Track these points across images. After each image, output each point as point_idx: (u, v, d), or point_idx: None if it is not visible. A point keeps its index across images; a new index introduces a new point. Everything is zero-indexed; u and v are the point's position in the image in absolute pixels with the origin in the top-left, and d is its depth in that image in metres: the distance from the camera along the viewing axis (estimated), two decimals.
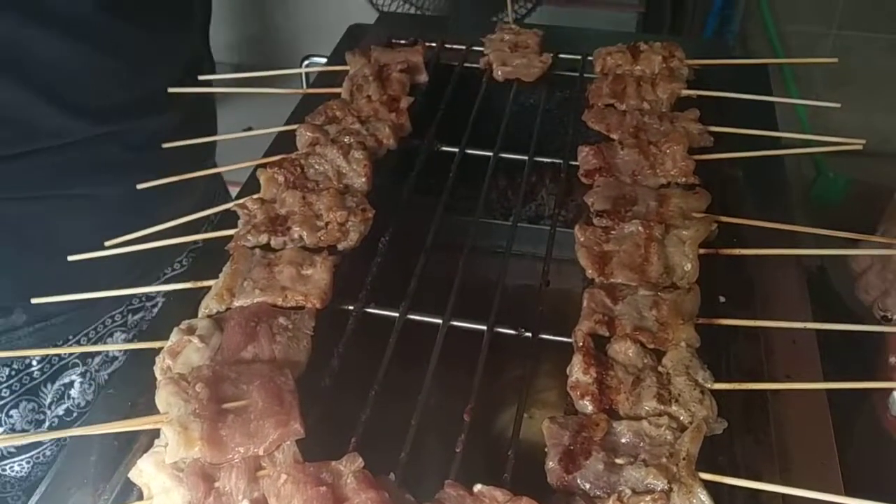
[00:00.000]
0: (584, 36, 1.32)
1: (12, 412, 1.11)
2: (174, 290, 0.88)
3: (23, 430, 1.12)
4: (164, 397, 0.69)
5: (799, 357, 0.84)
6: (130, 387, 0.81)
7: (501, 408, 1.07)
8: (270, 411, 0.67)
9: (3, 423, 1.11)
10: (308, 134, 0.97)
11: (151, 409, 0.74)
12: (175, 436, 0.65)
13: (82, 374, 1.17)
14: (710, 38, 2.34)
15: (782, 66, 2.63)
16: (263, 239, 0.85)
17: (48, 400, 1.14)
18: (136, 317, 1.22)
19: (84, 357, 1.17)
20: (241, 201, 0.89)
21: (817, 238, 0.88)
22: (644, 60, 1.12)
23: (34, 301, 0.84)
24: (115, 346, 1.15)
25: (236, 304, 0.79)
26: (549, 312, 0.83)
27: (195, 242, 1.12)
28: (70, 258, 0.89)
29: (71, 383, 1.16)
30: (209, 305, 0.80)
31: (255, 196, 0.90)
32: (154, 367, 0.74)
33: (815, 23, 3.07)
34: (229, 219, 0.90)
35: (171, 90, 1.04)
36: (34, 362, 1.12)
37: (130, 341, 1.19)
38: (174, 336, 0.75)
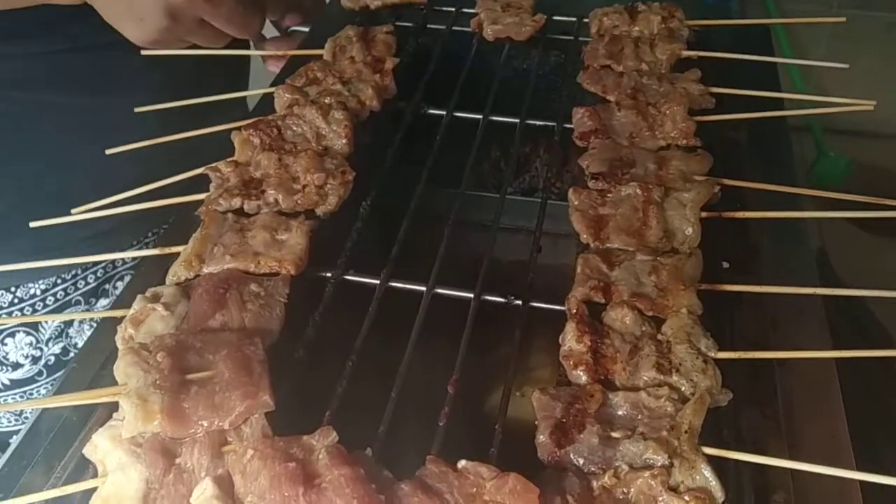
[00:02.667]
0: None
1: (7, 341, 1.10)
2: (147, 257, 0.82)
3: (16, 363, 1.12)
4: (122, 368, 0.64)
5: (807, 328, 0.79)
6: (94, 360, 0.75)
7: (491, 387, 1.02)
8: (237, 382, 0.62)
9: None
10: (286, 95, 0.92)
11: (112, 382, 0.69)
12: (133, 408, 0.60)
13: (84, 313, 1.16)
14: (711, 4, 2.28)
15: (782, 46, 2.56)
16: (236, 203, 0.80)
17: (46, 336, 1.13)
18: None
19: (87, 296, 1.15)
20: (214, 164, 0.84)
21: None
22: (642, 21, 1.06)
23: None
24: (75, 315, 1.11)
25: (206, 270, 0.74)
26: (542, 288, 0.78)
27: None
28: (32, 224, 0.84)
29: (71, 322, 1.14)
30: (177, 272, 0.75)
31: (228, 159, 0.85)
32: (116, 338, 0.69)
33: (815, 1, 3.01)
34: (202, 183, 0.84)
35: (144, 52, 0.98)
36: (38, 292, 1.11)
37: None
38: (137, 304, 0.70)
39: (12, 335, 1.11)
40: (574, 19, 1.13)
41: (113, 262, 1.15)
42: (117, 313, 0.72)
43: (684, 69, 0.99)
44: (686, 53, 1.01)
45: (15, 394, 1.13)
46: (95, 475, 0.60)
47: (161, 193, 0.85)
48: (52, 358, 1.14)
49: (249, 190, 0.81)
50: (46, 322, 1.12)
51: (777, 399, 0.72)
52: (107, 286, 1.17)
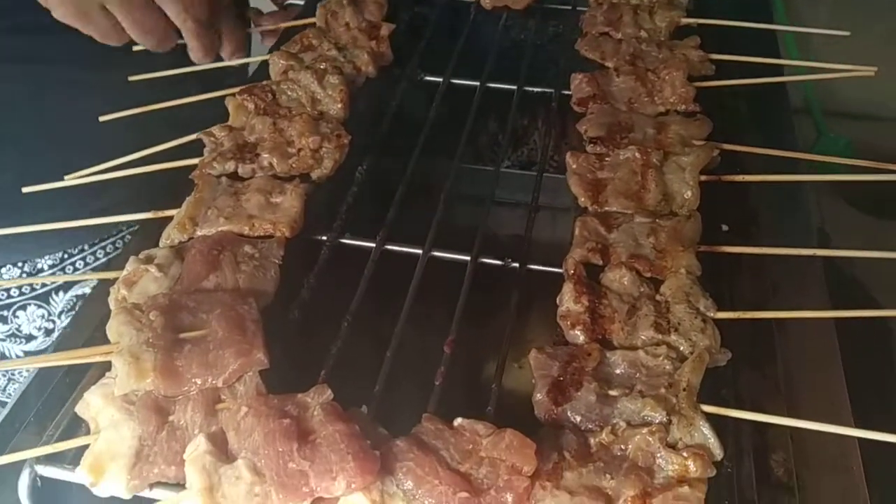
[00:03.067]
0: None
1: (19, 313, 1.10)
2: (142, 225, 0.82)
3: (30, 335, 1.12)
4: (115, 327, 0.63)
5: (806, 292, 0.79)
6: (87, 323, 0.75)
7: (489, 354, 1.01)
8: (231, 341, 0.61)
9: (9, 321, 1.11)
10: (281, 62, 0.91)
11: (105, 344, 0.68)
12: (125, 366, 0.59)
13: (94, 288, 1.13)
14: None
15: (779, 16, 2.55)
16: (230, 167, 0.79)
17: (59, 308, 1.13)
18: None
19: (98, 270, 1.14)
20: (207, 129, 0.83)
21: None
22: None
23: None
24: (74, 277, 1.10)
25: (199, 233, 0.73)
26: (541, 256, 0.77)
27: None
28: (24, 190, 0.83)
29: (83, 295, 1.14)
30: (171, 235, 0.74)
31: (223, 124, 0.84)
32: (109, 299, 0.68)
33: None
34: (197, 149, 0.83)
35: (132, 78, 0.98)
36: (45, 267, 1.11)
37: None
38: (130, 265, 0.69)
39: (24, 308, 1.11)
40: None
41: (122, 238, 1.15)
42: (111, 275, 0.71)
43: (683, 37, 0.98)
44: (685, 21, 1.00)
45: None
46: (88, 433, 0.60)
47: (155, 161, 0.84)
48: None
49: (244, 154, 0.80)
50: (57, 295, 1.12)
51: (777, 361, 0.71)
52: (120, 258, 1.15)
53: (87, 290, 1.13)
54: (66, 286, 1.13)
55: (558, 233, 0.94)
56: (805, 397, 0.69)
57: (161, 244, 0.74)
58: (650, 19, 1.00)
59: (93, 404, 0.59)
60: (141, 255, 0.71)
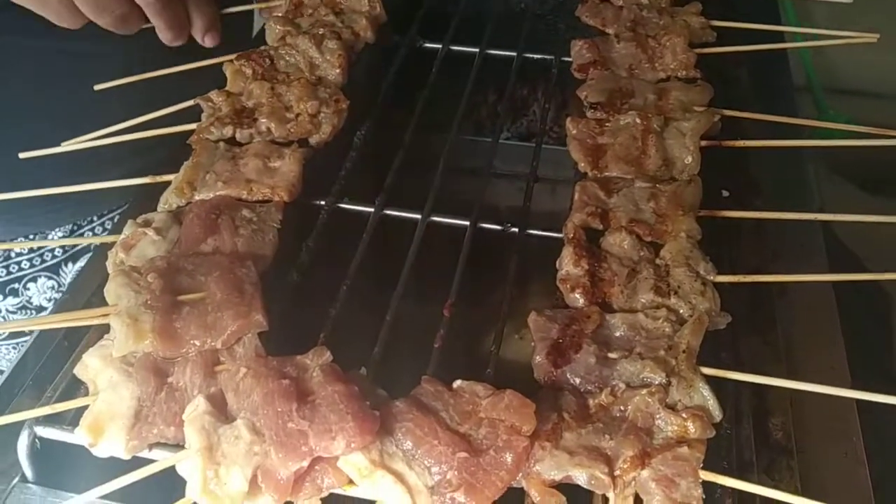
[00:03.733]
0: None
1: (30, 285, 1.11)
2: (140, 190, 0.81)
3: (40, 306, 1.12)
4: (113, 289, 0.63)
5: (806, 260, 0.79)
6: (86, 287, 0.74)
7: (484, 318, 1.00)
8: (230, 303, 0.61)
9: (20, 293, 1.11)
10: (278, 27, 0.90)
11: (103, 306, 0.68)
12: (124, 328, 0.59)
13: (94, 251, 1.13)
14: None
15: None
16: (228, 132, 0.79)
17: (68, 279, 1.13)
18: None
19: (104, 244, 1.13)
20: (205, 95, 0.82)
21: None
22: None
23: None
24: (73, 241, 1.10)
25: (197, 197, 0.73)
26: (541, 225, 0.77)
27: None
28: (22, 155, 0.82)
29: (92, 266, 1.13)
30: (169, 200, 0.73)
31: (221, 90, 0.83)
32: (107, 263, 0.68)
33: None
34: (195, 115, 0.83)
35: None
36: (55, 238, 1.11)
37: None
38: (128, 229, 0.69)
39: (34, 280, 1.11)
40: None
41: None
42: (110, 239, 0.70)
43: (684, 3, 0.97)
44: None
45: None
46: (87, 395, 0.60)
47: (153, 127, 0.84)
48: None
49: (241, 119, 0.79)
50: (66, 266, 1.13)
51: (776, 326, 0.71)
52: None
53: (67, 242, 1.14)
54: (75, 257, 1.13)
55: (558, 203, 0.93)
56: (805, 362, 0.69)
57: (159, 208, 0.73)
58: None
59: (91, 366, 0.59)
60: (139, 220, 0.70)
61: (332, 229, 0.74)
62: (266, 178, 0.74)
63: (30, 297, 1.12)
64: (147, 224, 0.69)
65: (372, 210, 0.75)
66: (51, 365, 0.67)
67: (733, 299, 0.67)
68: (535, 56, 0.94)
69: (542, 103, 0.92)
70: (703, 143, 0.77)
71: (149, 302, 0.61)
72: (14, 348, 1.16)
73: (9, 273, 1.10)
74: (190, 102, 0.83)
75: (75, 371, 0.60)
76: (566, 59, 0.91)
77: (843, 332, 0.73)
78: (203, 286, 0.63)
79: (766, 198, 0.83)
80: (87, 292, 0.73)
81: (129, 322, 0.59)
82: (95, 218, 1.14)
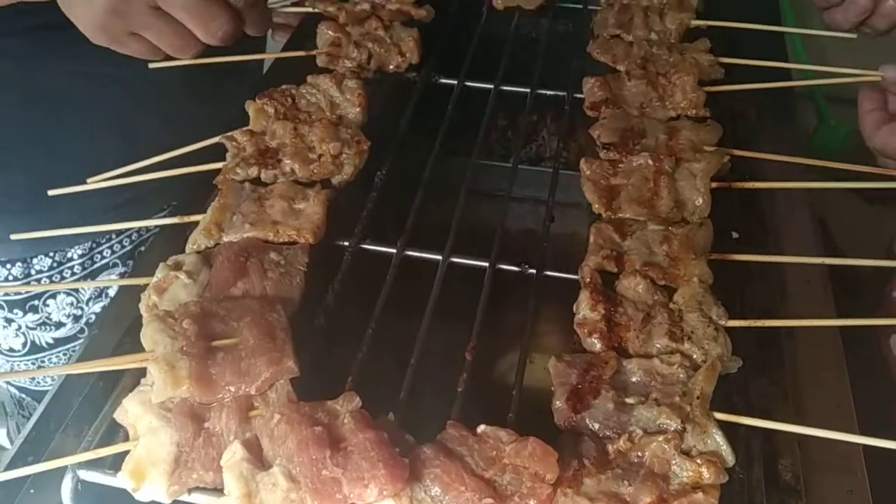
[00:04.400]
0: None
1: (49, 301, 1.13)
2: (164, 225, 0.84)
3: (59, 322, 1.15)
4: (149, 335, 0.65)
5: (812, 297, 0.81)
6: (117, 326, 0.77)
7: (502, 353, 1.04)
8: (262, 349, 0.64)
9: (39, 310, 1.14)
10: (329, 32, 0.93)
11: (137, 348, 0.70)
12: (162, 374, 0.61)
13: (121, 276, 1.18)
14: None
15: (785, 14, 2.55)
16: (253, 172, 0.81)
17: (87, 296, 1.16)
18: None
19: (124, 258, 1.18)
20: (229, 133, 0.85)
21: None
22: None
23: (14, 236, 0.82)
24: (103, 283, 1.12)
25: (225, 239, 0.75)
26: (553, 255, 0.79)
27: None
28: (50, 193, 0.85)
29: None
30: (197, 241, 0.76)
31: (244, 128, 0.85)
32: (140, 305, 0.70)
33: None
34: (218, 152, 0.85)
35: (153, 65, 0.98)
36: (74, 256, 1.13)
37: None
38: (160, 272, 0.71)
39: (53, 296, 1.14)
40: None
41: (147, 227, 1.17)
42: (140, 281, 0.73)
43: (693, 39, 1.00)
44: (695, 23, 1.02)
45: (58, 352, 1.17)
46: (126, 439, 0.62)
47: (180, 162, 0.86)
48: (93, 316, 1.17)
49: (266, 159, 0.82)
50: (87, 281, 1.16)
51: (785, 366, 0.74)
52: (142, 248, 1.19)
53: (114, 277, 1.18)
54: (94, 273, 1.16)
55: (567, 227, 0.96)
56: (812, 402, 0.72)
57: (188, 249, 0.76)
58: (660, 21, 1.02)
59: (131, 411, 0.62)
60: (169, 262, 0.73)
61: (355, 270, 0.76)
62: (291, 219, 0.76)
63: (49, 314, 1.15)
64: (178, 267, 0.72)
65: (394, 251, 0.77)
66: (88, 405, 0.69)
67: (742, 341, 0.70)
68: (549, 93, 0.96)
69: (555, 139, 0.94)
70: (714, 184, 0.80)
71: (185, 348, 0.63)
72: (33, 363, 1.18)
73: (28, 291, 1.13)
74: (215, 140, 0.86)
75: (115, 416, 0.63)
76: (578, 95, 0.94)
77: (848, 370, 0.76)
78: (236, 331, 0.66)
79: (772, 232, 0.85)
80: (118, 331, 0.75)
81: (166, 369, 0.62)
82: (114, 235, 1.17)
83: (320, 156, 0.82)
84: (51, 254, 1.13)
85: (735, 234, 0.81)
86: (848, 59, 1.06)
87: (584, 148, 1.22)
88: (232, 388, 0.62)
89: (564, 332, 0.81)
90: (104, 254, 1.17)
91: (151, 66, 0.90)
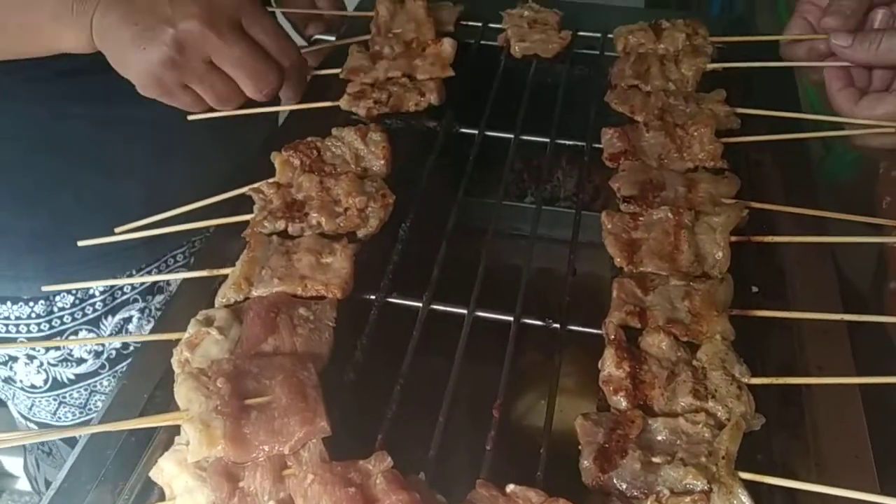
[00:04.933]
0: (601, 13, 1.28)
1: (71, 337, 1.16)
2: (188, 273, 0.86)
3: (80, 359, 1.18)
4: (183, 393, 0.66)
5: (830, 347, 0.82)
6: (146, 378, 0.78)
7: (529, 403, 1.05)
8: (295, 408, 0.65)
9: (61, 347, 1.16)
10: (360, 61, 0.98)
11: (169, 402, 0.72)
12: (197, 434, 0.63)
13: (141, 311, 1.20)
14: (730, 17, 2.31)
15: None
16: (280, 225, 0.83)
17: (107, 332, 1.18)
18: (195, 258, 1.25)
19: (144, 294, 1.20)
20: (256, 185, 0.86)
21: (843, 223, 0.85)
22: (667, 39, 1.08)
23: (45, 288, 0.84)
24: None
25: (255, 293, 0.77)
26: (575, 292, 0.81)
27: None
28: (80, 243, 0.87)
29: (130, 318, 1.20)
30: (226, 295, 0.77)
31: (270, 180, 0.87)
32: (172, 360, 0.72)
33: None
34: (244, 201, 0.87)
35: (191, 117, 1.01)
36: (97, 293, 1.15)
37: None
38: (192, 327, 0.73)
39: (75, 333, 1.16)
40: (599, 35, 1.15)
41: (166, 261, 1.19)
42: (171, 336, 0.74)
43: (710, 86, 1.02)
44: (710, 66, 1.03)
45: (80, 387, 1.20)
46: (160, 497, 0.64)
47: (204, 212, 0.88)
48: (114, 352, 1.19)
49: (293, 212, 0.83)
50: (106, 319, 1.18)
51: (805, 421, 0.75)
52: (161, 283, 1.22)
53: (134, 314, 1.20)
54: (114, 310, 1.18)
55: (583, 267, 0.97)
56: (832, 456, 0.72)
57: (217, 303, 0.77)
58: (676, 69, 1.03)
59: (167, 470, 0.63)
60: (200, 317, 0.74)
61: (382, 323, 0.78)
62: (319, 274, 0.77)
63: (71, 350, 1.17)
64: (209, 322, 0.73)
65: (420, 305, 0.79)
66: (121, 460, 0.70)
67: (764, 394, 0.71)
68: (568, 143, 0.98)
69: (577, 186, 0.96)
70: (733, 238, 0.81)
71: (219, 407, 0.64)
72: (55, 399, 1.20)
73: (51, 327, 1.15)
74: (242, 190, 0.88)
75: (150, 474, 0.64)
76: (596, 145, 0.95)
77: (867, 420, 0.77)
78: (268, 389, 0.67)
79: (791, 285, 0.86)
80: (149, 384, 0.76)
81: (201, 428, 0.63)
82: (135, 272, 1.19)
83: (346, 209, 0.83)
84: (73, 291, 1.15)
85: (755, 289, 0.82)
86: None
87: (599, 189, 1.24)
88: (266, 448, 0.63)
89: (581, 373, 0.82)
90: (125, 289, 1.19)
91: (190, 118, 0.93)
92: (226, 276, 0.80)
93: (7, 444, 0.62)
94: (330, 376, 0.71)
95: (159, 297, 1.22)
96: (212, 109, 0.91)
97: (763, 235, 0.83)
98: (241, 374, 0.68)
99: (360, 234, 0.83)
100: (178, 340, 0.73)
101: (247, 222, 0.85)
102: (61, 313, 1.15)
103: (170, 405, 0.72)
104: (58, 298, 1.14)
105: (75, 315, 1.16)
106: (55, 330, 1.15)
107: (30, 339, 1.16)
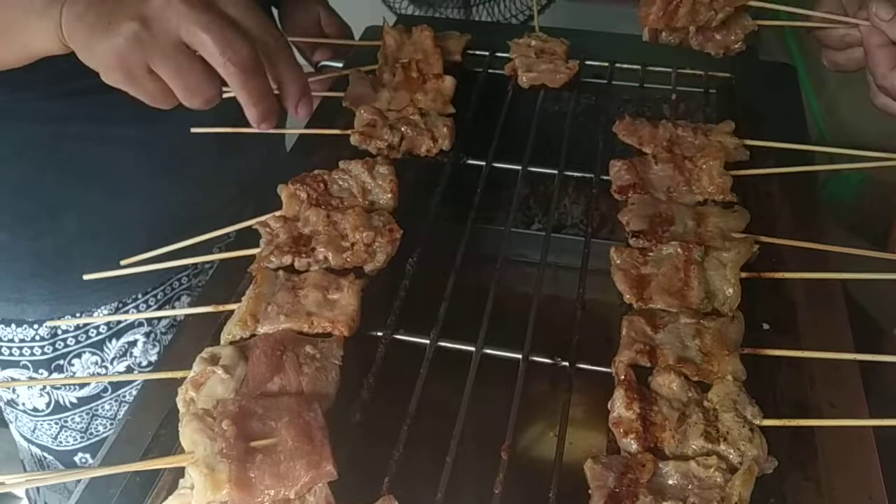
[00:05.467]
0: (608, 42, 1.28)
1: (74, 361, 1.15)
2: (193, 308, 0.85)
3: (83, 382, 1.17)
4: (188, 435, 0.66)
5: (842, 384, 0.81)
6: (151, 415, 0.77)
7: (526, 424, 1.04)
8: (301, 451, 0.64)
9: (64, 369, 1.15)
10: (366, 114, 0.95)
11: (174, 440, 0.71)
12: (202, 478, 0.62)
13: (146, 335, 1.19)
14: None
15: (796, 63, 2.58)
16: (287, 260, 0.82)
17: (111, 355, 1.17)
18: (199, 280, 1.25)
19: (150, 319, 1.19)
20: (262, 219, 0.86)
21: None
22: None
23: (50, 324, 0.83)
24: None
25: (261, 330, 0.76)
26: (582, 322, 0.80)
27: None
28: (85, 277, 0.87)
29: (135, 342, 1.18)
30: (232, 331, 0.77)
31: (277, 213, 0.87)
32: (177, 399, 0.71)
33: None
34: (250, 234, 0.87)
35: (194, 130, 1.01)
36: (100, 315, 1.14)
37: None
38: (197, 366, 0.72)
39: (79, 356, 1.15)
40: (606, 64, 1.14)
41: (171, 285, 1.19)
42: (176, 374, 0.74)
43: (717, 119, 1.01)
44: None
45: (81, 411, 1.18)
46: None
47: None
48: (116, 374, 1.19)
49: (299, 247, 0.83)
50: (110, 342, 1.17)
51: (818, 461, 0.74)
52: (166, 307, 1.21)
53: (139, 338, 1.19)
54: (119, 333, 1.17)
55: (590, 294, 0.97)
56: (845, 497, 0.71)
57: (223, 340, 0.77)
58: (709, 5, 1.02)
59: None
60: (205, 354, 0.73)
61: (389, 360, 0.77)
62: (326, 311, 0.77)
63: (73, 373, 1.16)
64: (215, 361, 0.73)
65: (427, 342, 0.78)
66: (124, 501, 0.69)
67: (776, 433, 0.70)
68: (576, 174, 0.98)
69: (586, 216, 0.95)
70: (744, 274, 0.80)
71: (224, 450, 0.64)
72: (56, 423, 1.19)
73: (55, 350, 1.15)
74: (249, 223, 0.87)
75: None
76: (605, 177, 0.95)
77: (880, 457, 0.76)
78: (274, 431, 0.66)
79: (802, 321, 0.86)
80: (153, 420, 0.76)
81: (206, 472, 0.62)
82: (140, 295, 1.18)
83: (353, 244, 0.83)
84: (77, 314, 1.14)
85: (766, 326, 0.81)
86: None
87: (606, 217, 1.24)
88: (271, 492, 0.62)
89: (585, 403, 0.81)
90: (130, 313, 1.18)
91: (193, 130, 0.93)
92: (231, 312, 0.79)
93: (14, 488, 0.61)
94: (336, 416, 0.70)
95: (164, 322, 1.21)
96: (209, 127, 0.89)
97: (774, 272, 0.82)
98: (246, 415, 0.67)
99: (367, 269, 0.82)
100: (182, 378, 0.73)
101: (252, 256, 0.84)
102: (65, 335, 1.14)
103: (174, 444, 0.71)
104: (61, 322, 1.13)
105: (79, 338, 1.15)
106: (58, 352, 1.14)
107: (33, 365, 1.15)
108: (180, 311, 0.82)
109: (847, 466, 0.74)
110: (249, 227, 0.87)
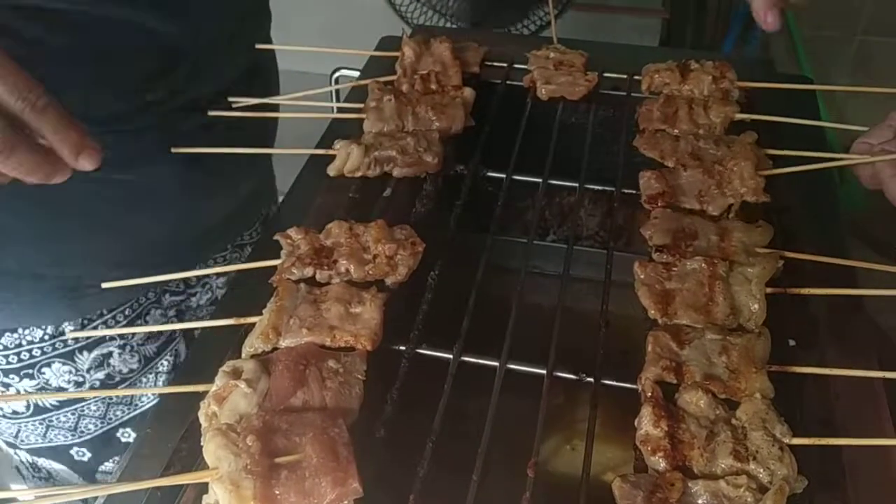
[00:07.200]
0: (627, 53, 1.27)
1: (44, 369, 1.11)
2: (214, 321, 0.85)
3: (59, 388, 1.14)
4: (212, 450, 0.65)
5: (866, 398, 0.81)
6: (171, 428, 0.77)
7: (545, 436, 1.03)
8: (326, 468, 0.63)
9: (35, 377, 1.12)
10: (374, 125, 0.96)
11: (195, 455, 0.71)
12: (227, 494, 0.61)
13: (121, 347, 1.16)
14: (753, 57, 2.33)
15: (805, 75, 2.58)
16: (308, 272, 0.81)
17: (86, 365, 1.14)
18: (175, 298, 1.23)
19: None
20: (284, 232, 0.85)
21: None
22: (693, 80, 1.07)
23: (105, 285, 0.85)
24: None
25: (283, 343, 0.75)
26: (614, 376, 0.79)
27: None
28: (104, 285, 0.86)
29: (110, 353, 1.15)
30: (254, 345, 0.76)
31: (298, 226, 0.86)
32: (199, 413, 0.71)
33: (837, 28, 3.01)
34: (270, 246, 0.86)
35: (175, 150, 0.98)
36: (67, 330, 1.11)
37: (167, 321, 1.21)
38: (219, 380, 0.71)
39: (48, 365, 1.12)
40: (625, 76, 1.14)
41: (138, 300, 1.16)
42: (197, 388, 0.73)
43: (738, 131, 1.01)
44: (739, 116, 1.02)
45: (66, 411, 1.16)
46: None
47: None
48: (98, 382, 1.16)
49: (321, 259, 0.82)
50: (82, 354, 1.14)
51: (846, 478, 0.73)
52: (139, 321, 1.18)
53: (114, 350, 1.16)
54: (91, 346, 1.14)
55: (619, 308, 0.96)
56: None
57: (244, 353, 0.76)
58: (705, 115, 1.02)
59: None
60: (227, 368, 0.73)
61: (412, 374, 0.76)
62: (348, 324, 0.76)
63: (47, 380, 1.13)
64: (237, 374, 0.72)
65: (451, 357, 0.77)
66: None
67: (804, 451, 0.69)
68: (597, 188, 0.97)
69: (608, 241, 0.94)
70: (769, 290, 0.79)
71: (249, 466, 0.63)
72: (41, 423, 1.17)
73: (20, 360, 1.11)
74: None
75: None
76: (626, 191, 0.94)
77: None
78: (298, 447, 0.65)
79: (824, 335, 0.85)
80: (174, 434, 0.75)
81: (231, 489, 0.62)
82: (106, 311, 1.15)
83: (375, 256, 0.82)
84: (43, 326, 1.10)
85: (792, 342, 0.81)
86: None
87: (621, 228, 1.23)
88: None
89: (602, 416, 0.80)
90: (98, 328, 1.14)
91: (174, 150, 0.92)
92: (252, 325, 0.78)
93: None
94: (360, 431, 0.70)
95: (139, 336, 1.18)
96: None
97: (799, 287, 0.81)
98: (270, 430, 0.66)
99: (389, 281, 0.82)
100: (204, 392, 0.72)
101: (274, 268, 0.84)
102: (30, 346, 1.11)
103: (197, 458, 0.71)
104: (26, 332, 1.09)
105: (45, 349, 1.11)
106: (24, 363, 1.11)
107: (2, 372, 1.11)
108: (200, 324, 0.81)
109: (876, 485, 0.74)
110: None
